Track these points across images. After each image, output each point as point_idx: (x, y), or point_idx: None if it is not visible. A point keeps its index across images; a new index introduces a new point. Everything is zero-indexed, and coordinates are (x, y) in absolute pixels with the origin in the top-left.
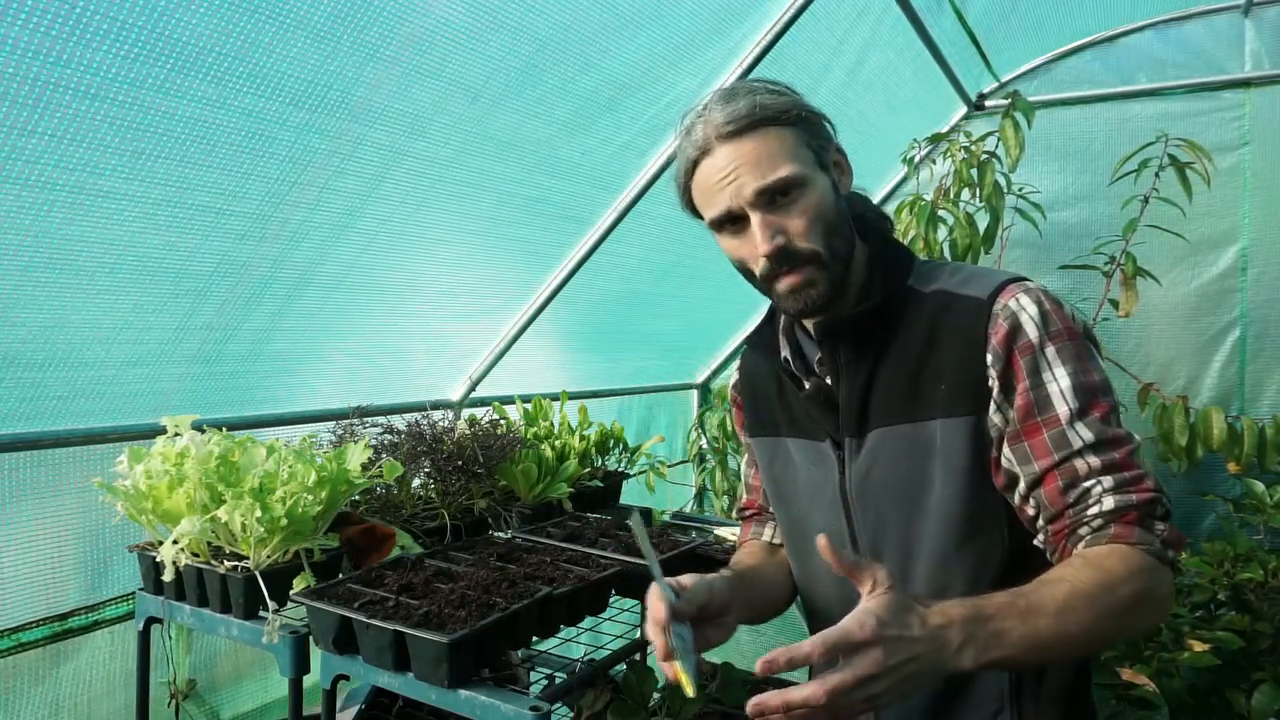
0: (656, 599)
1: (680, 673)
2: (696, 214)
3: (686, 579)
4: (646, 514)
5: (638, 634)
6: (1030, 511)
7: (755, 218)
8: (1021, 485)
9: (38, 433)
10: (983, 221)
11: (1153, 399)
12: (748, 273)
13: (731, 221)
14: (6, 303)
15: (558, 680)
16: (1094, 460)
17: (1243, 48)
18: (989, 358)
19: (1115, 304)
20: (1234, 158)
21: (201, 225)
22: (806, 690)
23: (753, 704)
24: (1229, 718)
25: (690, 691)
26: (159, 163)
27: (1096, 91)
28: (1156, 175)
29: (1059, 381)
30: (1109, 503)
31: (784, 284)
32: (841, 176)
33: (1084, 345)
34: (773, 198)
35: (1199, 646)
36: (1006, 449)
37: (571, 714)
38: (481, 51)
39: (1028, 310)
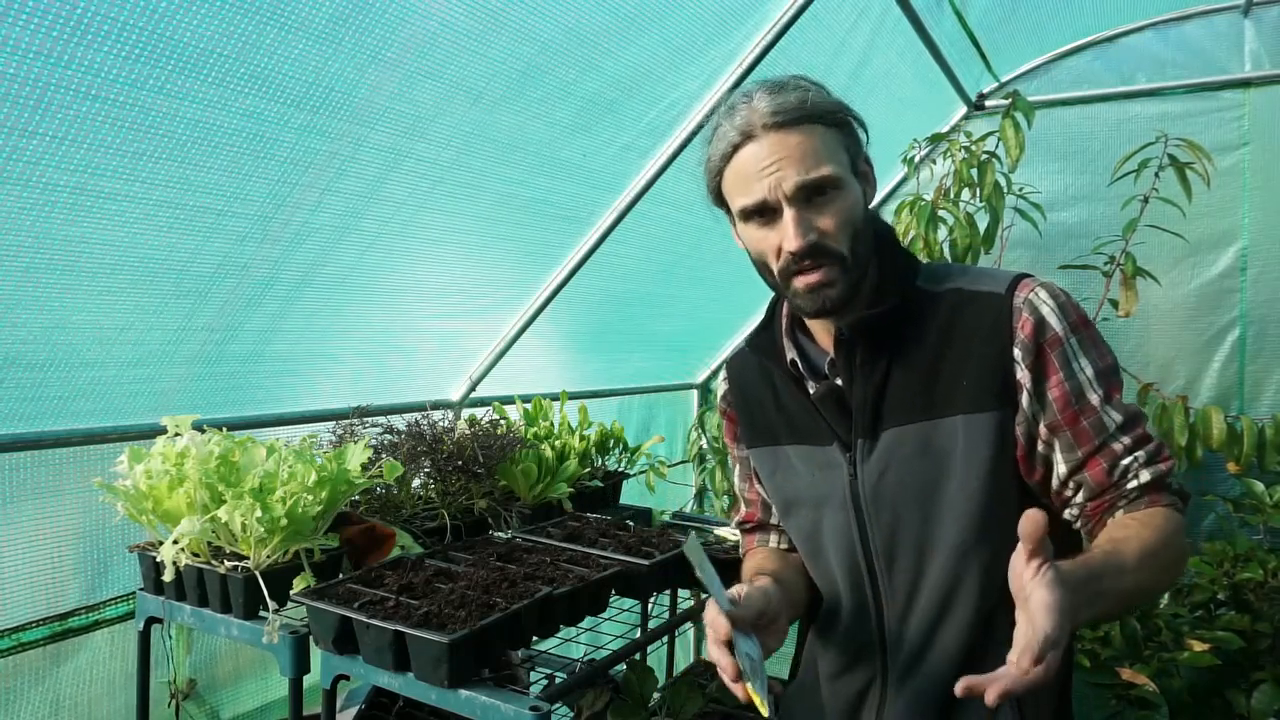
0: (716, 614)
1: (753, 694)
2: (720, 199)
3: (736, 590)
4: (646, 514)
5: (638, 634)
6: (1069, 493)
7: (790, 212)
8: (1062, 470)
9: (38, 433)
10: (983, 221)
11: (1152, 399)
12: (764, 266)
13: (761, 213)
14: (7, 303)
15: (558, 680)
16: (1126, 440)
17: (1242, 48)
18: (1017, 352)
19: (1115, 304)
20: (1234, 158)
21: (202, 226)
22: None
23: (962, 687)
24: (1229, 718)
25: (765, 712)
26: (160, 164)
27: (1096, 91)
28: (1156, 175)
29: (1085, 371)
30: (1145, 476)
31: (802, 282)
32: (867, 187)
33: (1095, 331)
34: (810, 195)
35: (1199, 646)
36: (1045, 436)
37: (571, 714)
38: (483, 54)
39: (1048, 304)
